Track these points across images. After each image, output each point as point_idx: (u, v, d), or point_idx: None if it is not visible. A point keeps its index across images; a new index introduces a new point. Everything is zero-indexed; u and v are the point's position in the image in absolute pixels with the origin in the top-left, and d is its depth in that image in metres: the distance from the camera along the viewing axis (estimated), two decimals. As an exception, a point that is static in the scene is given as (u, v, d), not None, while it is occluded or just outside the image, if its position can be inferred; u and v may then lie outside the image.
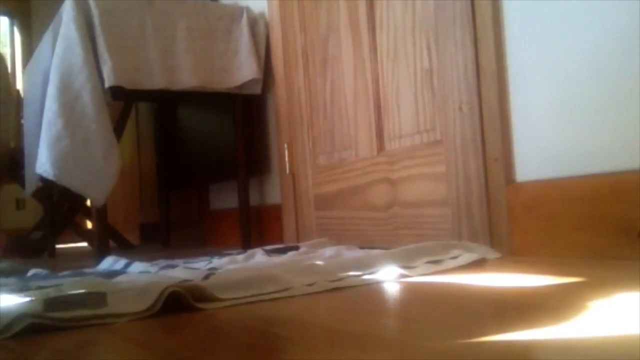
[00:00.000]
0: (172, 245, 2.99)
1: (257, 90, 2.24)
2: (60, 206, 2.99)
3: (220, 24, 2.19)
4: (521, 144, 1.35)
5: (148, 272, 1.48)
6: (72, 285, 1.02)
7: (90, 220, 3.22)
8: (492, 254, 1.30)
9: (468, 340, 0.61)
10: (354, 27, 1.86)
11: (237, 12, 2.23)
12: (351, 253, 1.47)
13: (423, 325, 0.70)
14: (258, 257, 1.60)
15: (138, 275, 1.42)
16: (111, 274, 1.46)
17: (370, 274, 1.13)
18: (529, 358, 0.55)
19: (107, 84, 1.93)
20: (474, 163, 1.44)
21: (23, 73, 3.43)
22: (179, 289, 0.92)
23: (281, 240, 2.18)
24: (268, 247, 1.73)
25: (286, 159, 2.19)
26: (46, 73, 2.16)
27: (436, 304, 0.85)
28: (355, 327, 0.72)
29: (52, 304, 0.91)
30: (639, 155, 1.11)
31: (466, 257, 1.23)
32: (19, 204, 5.14)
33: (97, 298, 0.94)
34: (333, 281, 1.07)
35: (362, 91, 1.83)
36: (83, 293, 0.95)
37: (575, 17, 1.23)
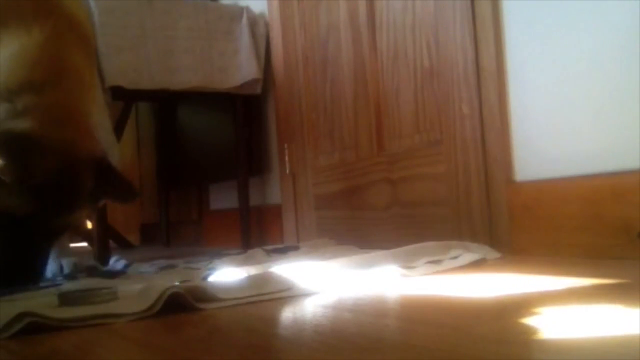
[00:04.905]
0: (172, 245, 2.98)
1: (257, 90, 2.24)
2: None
3: (220, 24, 2.18)
4: (521, 144, 1.35)
5: (148, 272, 1.48)
6: (72, 286, 1.03)
7: (90, 220, 3.22)
8: (492, 254, 1.30)
9: (468, 341, 0.61)
10: (354, 27, 1.86)
11: (237, 12, 2.22)
12: (351, 253, 1.47)
13: (423, 326, 0.70)
14: (258, 257, 1.60)
15: (138, 275, 1.42)
16: (111, 274, 1.46)
17: (370, 274, 1.13)
18: (529, 358, 0.55)
19: (107, 84, 1.93)
20: (474, 163, 1.44)
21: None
22: (180, 289, 0.92)
23: (281, 240, 2.18)
24: (268, 247, 1.73)
25: (286, 159, 2.19)
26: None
27: (436, 304, 0.85)
28: (355, 328, 0.72)
29: (66, 297, 0.92)
30: (639, 155, 1.11)
31: (466, 257, 1.23)
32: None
33: (108, 292, 0.95)
34: (333, 281, 1.07)
35: (362, 91, 1.83)
36: (95, 288, 0.96)
37: (575, 17, 1.23)
